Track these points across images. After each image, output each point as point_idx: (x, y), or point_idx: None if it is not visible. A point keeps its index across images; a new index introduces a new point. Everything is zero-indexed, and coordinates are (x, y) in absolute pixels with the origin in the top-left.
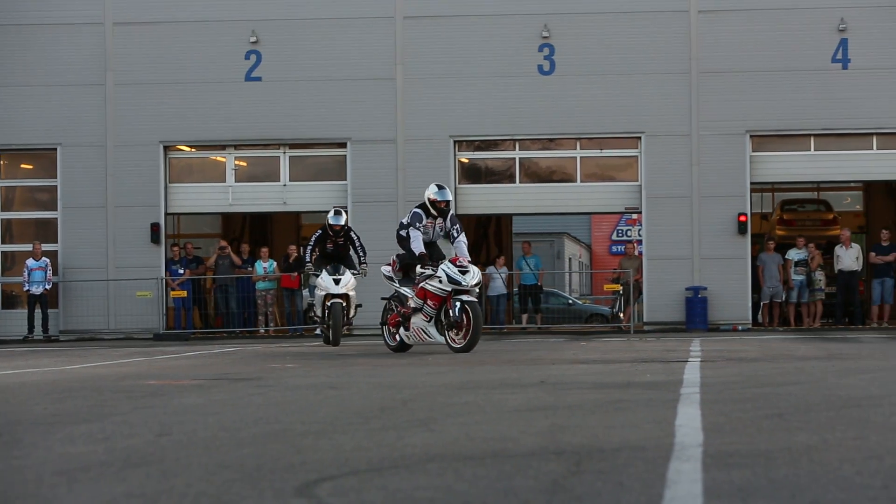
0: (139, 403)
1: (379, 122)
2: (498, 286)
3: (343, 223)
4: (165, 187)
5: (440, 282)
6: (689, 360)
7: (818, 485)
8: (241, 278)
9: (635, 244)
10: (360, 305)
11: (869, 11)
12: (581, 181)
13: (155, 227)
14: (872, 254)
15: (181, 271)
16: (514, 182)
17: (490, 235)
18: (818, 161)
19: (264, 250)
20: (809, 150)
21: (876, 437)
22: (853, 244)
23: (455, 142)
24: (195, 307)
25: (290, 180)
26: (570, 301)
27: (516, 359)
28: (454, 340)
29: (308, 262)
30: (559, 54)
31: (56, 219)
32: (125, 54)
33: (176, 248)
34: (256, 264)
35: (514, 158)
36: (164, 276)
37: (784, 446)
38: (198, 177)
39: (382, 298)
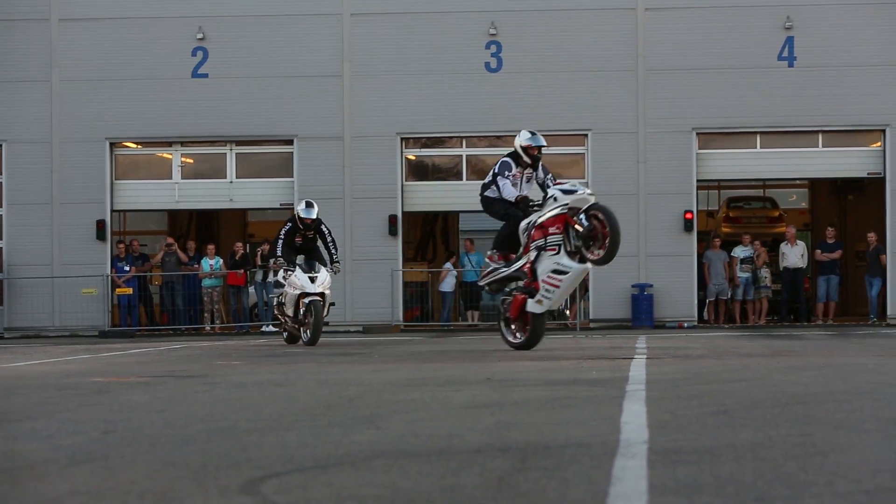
0: (84, 401)
1: (326, 119)
2: (450, 283)
3: (315, 216)
4: (111, 184)
5: (555, 200)
6: (635, 357)
7: (763, 481)
8: (187, 275)
9: None
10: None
11: (814, 9)
12: None
13: (101, 224)
14: (818, 251)
15: (127, 268)
16: (461, 179)
17: (437, 233)
18: (764, 158)
19: (211, 247)
20: (755, 147)
21: (820, 434)
22: (798, 241)
23: (402, 139)
24: (141, 304)
25: (236, 177)
26: None
27: (463, 356)
28: (594, 254)
29: (279, 255)
30: (506, 51)
31: (0, 215)
32: (71, 50)
33: (122, 245)
34: (203, 261)
35: (461, 155)
36: (109, 273)
37: (729, 443)
38: (144, 174)
39: (484, 289)
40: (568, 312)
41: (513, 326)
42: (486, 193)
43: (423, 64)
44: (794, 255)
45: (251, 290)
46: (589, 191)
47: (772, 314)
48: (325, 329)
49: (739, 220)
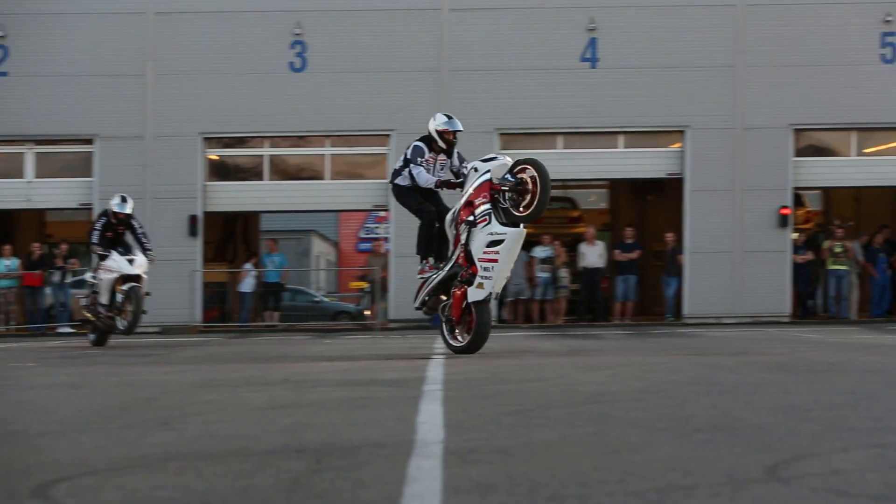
0: None
1: (127, 118)
2: (249, 284)
3: (128, 211)
4: None
5: (476, 171)
6: (434, 356)
7: (556, 480)
8: None
9: (382, 242)
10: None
11: (617, 11)
12: (330, 179)
13: None
14: (617, 251)
15: None
16: (263, 179)
17: (238, 234)
18: (566, 159)
19: (7, 247)
20: (557, 148)
21: (614, 433)
22: (597, 241)
23: (204, 139)
24: None
25: (35, 177)
26: (317, 299)
27: (260, 357)
28: (521, 211)
29: (94, 242)
30: (311, 52)
31: None
32: None
33: None
34: None
35: (263, 156)
36: None
37: (524, 442)
38: None
39: (421, 310)
40: (368, 313)
41: (456, 330)
42: (396, 181)
43: (225, 63)
44: (593, 254)
45: (48, 291)
46: (508, 158)
47: (570, 314)
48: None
49: (540, 220)
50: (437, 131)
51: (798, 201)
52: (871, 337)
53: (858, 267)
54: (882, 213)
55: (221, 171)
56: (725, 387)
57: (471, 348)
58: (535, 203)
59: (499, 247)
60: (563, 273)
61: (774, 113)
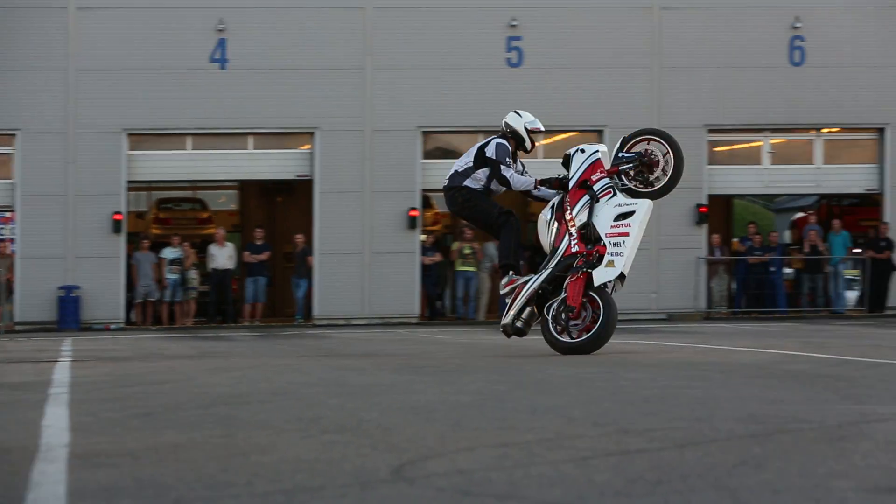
0: None
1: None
2: None
3: None
4: None
5: (582, 152)
6: (60, 360)
7: (183, 483)
8: None
9: (8, 243)
10: None
11: (249, 12)
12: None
13: None
14: (246, 252)
15: None
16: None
17: None
18: (196, 160)
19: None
20: (187, 149)
21: (243, 435)
22: (227, 243)
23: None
24: None
25: None
26: None
27: None
28: (653, 185)
29: None
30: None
31: None
32: None
33: None
34: None
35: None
36: None
37: (151, 445)
38: None
39: (510, 332)
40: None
41: (571, 325)
42: (466, 183)
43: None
44: (223, 256)
45: None
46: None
47: (200, 315)
48: None
49: (169, 222)
50: (529, 130)
51: (426, 203)
52: (499, 338)
53: (487, 268)
54: None
55: None
56: (354, 388)
57: (595, 344)
58: (670, 171)
59: (629, 219)
60: (193, 274)
61: (403, 115)
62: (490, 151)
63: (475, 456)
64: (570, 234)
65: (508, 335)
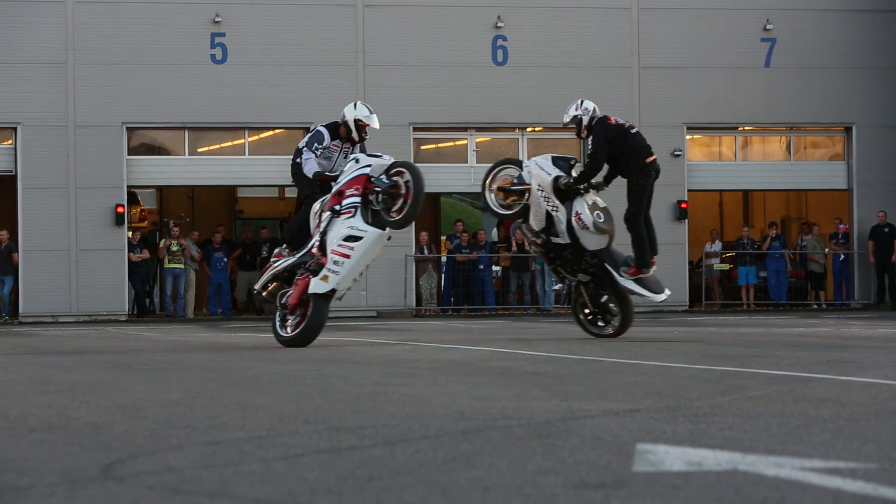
0: None
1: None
2: None
3: None
4: None
5: (357, 162)
6: None
7: None
8: None
9: None
10: None
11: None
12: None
13: None
14: None
15: None
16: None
17: None
18: None
19: None
20: None
21: None
22: None
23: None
24: None
25: None
26: None
27: None
28: (393, 215)
29: None
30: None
31: None
32: None
33: None
34: None
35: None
36: None
37: None
38: None
39: (261, 295)
40: None
41: (289, 319)
42: (297, 160)
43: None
44: None
45: None
46: (391, 158)
47: None
48: None
49: None
50: (356, 120)
51: (133, 200)
52: (211, 334)
53: (195, 265)
54: (216, 213)
55: None
56: (62, 386)
57: (298, 342)
58: (406, 208)
59: (356, 243)
60: None
61: (107, 111)
62: (307, 136)
63: (185, 454)
64: (316, 236)
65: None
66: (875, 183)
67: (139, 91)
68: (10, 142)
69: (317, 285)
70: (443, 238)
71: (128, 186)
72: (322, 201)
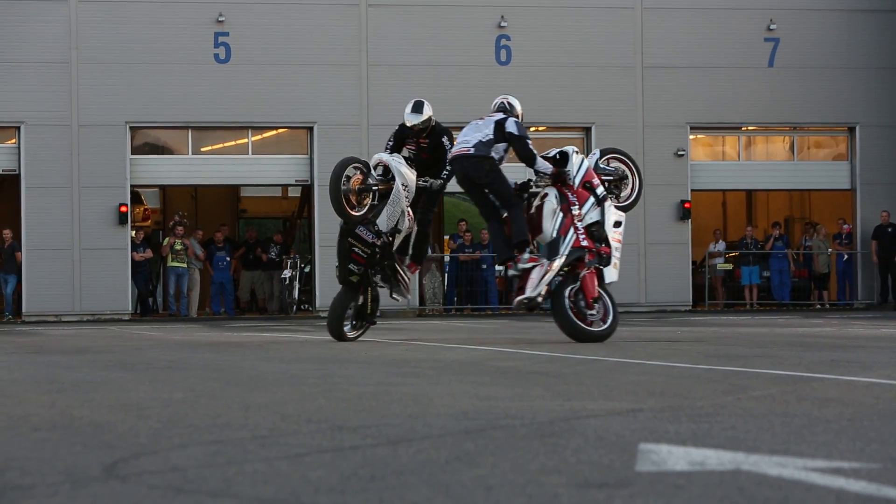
0: None
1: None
2: None
3: None
4: None
5: (576, 153)
6: None
7: None
8: None
9: None
10: None
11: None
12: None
13: None
14: None
15: None
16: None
17: None
18: None
19: None
20: None
21: None
22: None
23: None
24: None
25: None
26: None
27: None
28: (622, 200)
29: None
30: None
31: None
32: None
33: None
34: None
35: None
36: None
37: None
38: None
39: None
40: None
41: (589, 314)
42: (492, 154)
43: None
44: None
45: None
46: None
47: None
48: None
49: None
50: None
51: (137, 199)
52: (214, 333)
53: (199, 264)
54: (219, 212)
55: None
56: (65, 385)
57: (610, 335)
58: (633, 195)
59: (621, 228)
60: None
61: (111, 110)
62: (511, 127)
63: (188, 453)
64: (577, 229)
65: (531, 309)
66: (878, 183)
67: (143, 90)
68: (13, 141)
69: (611, 274)
70: (446, 238)
71: (131, 186)
72: (556, 197)
